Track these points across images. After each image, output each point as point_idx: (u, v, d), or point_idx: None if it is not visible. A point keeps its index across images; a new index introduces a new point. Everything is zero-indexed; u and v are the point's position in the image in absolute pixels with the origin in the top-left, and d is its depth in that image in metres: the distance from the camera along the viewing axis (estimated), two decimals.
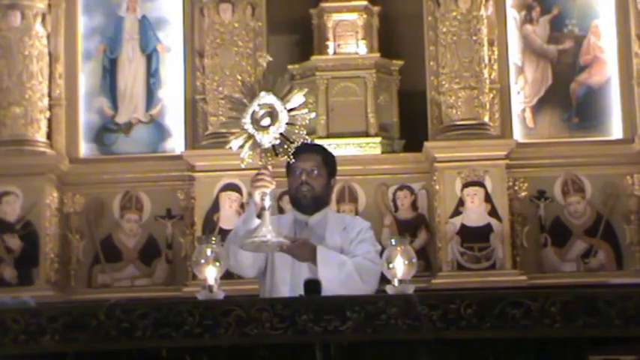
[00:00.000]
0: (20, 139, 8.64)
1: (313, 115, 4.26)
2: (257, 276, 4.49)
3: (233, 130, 4.19)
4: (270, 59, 4.74)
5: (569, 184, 8.68)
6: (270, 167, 4.19)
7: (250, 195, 4.28)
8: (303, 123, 4.13)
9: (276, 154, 4.12)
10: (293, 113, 4.11)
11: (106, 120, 9.08)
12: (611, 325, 3.25)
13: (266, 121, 4.10)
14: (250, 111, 4.11)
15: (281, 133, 4.10)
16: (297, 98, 4.13)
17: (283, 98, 4.12)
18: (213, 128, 8.65)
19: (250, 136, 4.12)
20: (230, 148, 4.18)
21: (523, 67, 8.97)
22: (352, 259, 4.31)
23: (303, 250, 4.27)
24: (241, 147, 4.15)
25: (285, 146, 4.11)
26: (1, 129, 8.70)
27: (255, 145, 4.12)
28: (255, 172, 4.25)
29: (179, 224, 8.76)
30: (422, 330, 3.21)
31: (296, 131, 4.11)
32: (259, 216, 4.19)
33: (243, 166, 4.24)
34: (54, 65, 8.95)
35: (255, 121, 4.11)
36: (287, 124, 4.10)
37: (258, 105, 4.11)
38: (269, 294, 4.36)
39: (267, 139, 4.10)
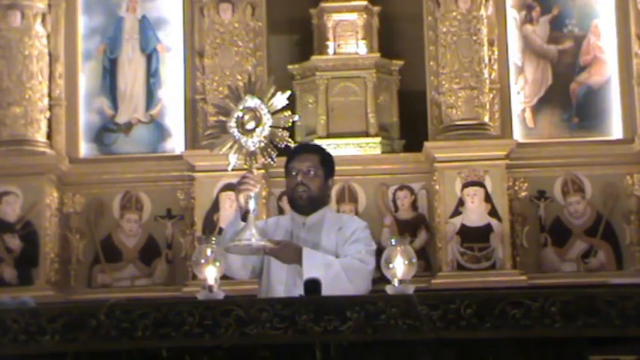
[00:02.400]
0: (20, 139, 8.64)
1: (297, 117, 4.28)
2: (251, 277, 4.49)
3: (221, 134, 4.23)
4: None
5: (569, 184, 8.68)
6: (254, 170, 4.21)
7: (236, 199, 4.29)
8: (287, 125, 4.15)
9: (262, 157, 4.15)
10: (276, 116, 4.14)
11: (106, 120, 9.08)
12: (611, 325, 3.25)
13: (250, 125, 4.13)
14: (235, 115, 4.14)
15: (265, 136, 4.12)
16: (281, 101, 4.15)
17: (267, 101, 4.14)
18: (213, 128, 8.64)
19: (236, 140, 4.14)
20: (217, 150, 4.21)
21: (523, 67, 8.97)
22: (340, 260, 4.31)
23: (287, 252, 4.27)
24: (229, 150, 4.17)
25: (269, 149, 4.13)
26: (1, 129, 8.70)
27: (241, 148, 4.14)
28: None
29: (179, 224, 8.76)
30: (422, 330, 3.21)
31: (279, 134, 4.13)
32: (244, 219, 4.20)
33: (229, 169, 4.25)
34: (54, 65, 8.95)
35: (241, 125, 4.13)
36: (270, 126, 4.13)
37: (243, 109, 4.14)
38: (265, 294, 4.37)
39: (252, 142, 4.13)
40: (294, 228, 4.48)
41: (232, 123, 4.16)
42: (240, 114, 4.15)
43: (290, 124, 4.20)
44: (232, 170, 4.28)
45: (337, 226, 4.50)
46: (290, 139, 4.21)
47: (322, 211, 4.51)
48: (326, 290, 3.86)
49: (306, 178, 4.42)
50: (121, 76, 9.12)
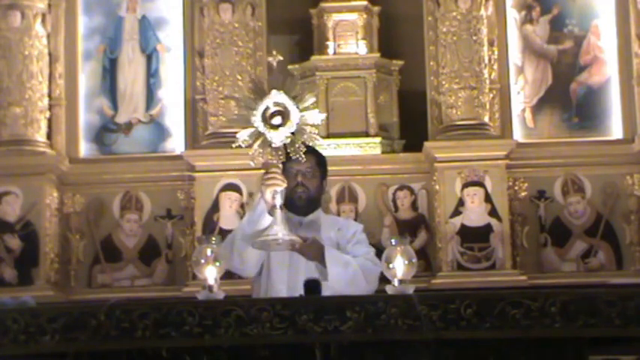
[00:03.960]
0: (20, 139, 8.64)
1: (323, 115, 4.21)
2: (255, 275, 4.48)
3: (239, 129, 4.16)
4: (281, 59, 4.71)
5: (569, 184, 8.68)
6: (280, 165, 4.16)
7: (260, 193, 4.24)
8: (315, 123, 4.10)
9: (287, 153, 4.09)
10: (304, 113, 4.08)
11: (106, 120, 9.08)
12: (611, 325, 3.24)
13: (277, 120, 4.07)
14: (261, 109, 4.08)
15: (292, 133, 4.07)
16: (309, 98, 4.11)
17: (295, 98, 4.09)
18: (213, 128, 8.65)
19: (260, 134, 4.08)
20: (238, 146, 4.13)
21: (523, 67, 8.97)
22: (356, 260, 4.33)
23: (314, 249, 4.27)
24: (250, 145, 4.11)
25: (297, 145, 4.08)
26: (1, 129, 8.71)
27: (265, 143, 4.08)
28: (262, 171, 4.24)
29: (179, 224, 8.76)
30: (422, 330, 3.21)
31: (308, 131, 4.08)
32: (270, 214, 4.17)
33: (253, 164, 4.21)
34: (54, 65, 8.95)
35: (265, 120, 4.08)
36: (298, 123, 4.07)
37: (272, 103, 4.07)
38: (264, 294, 4.36)
39: (279, 137, 4.06)
40: (290, 227, 4.48)
41: (258, 117, 4.09)
42: (270, 106, 4.07)
43: (319, 122, 4.14)
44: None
45: (335, 226, 4.52)
46: (318, 137, 4.15)
47: (317, 212, 4.53)
48: (344, 289, 3.93)
49: (305, 179, 4.42)
50: (121, 76, 9.12)
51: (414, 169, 8.79)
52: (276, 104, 4.06)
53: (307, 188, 4.42)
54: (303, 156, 4.11)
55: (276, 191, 4.13)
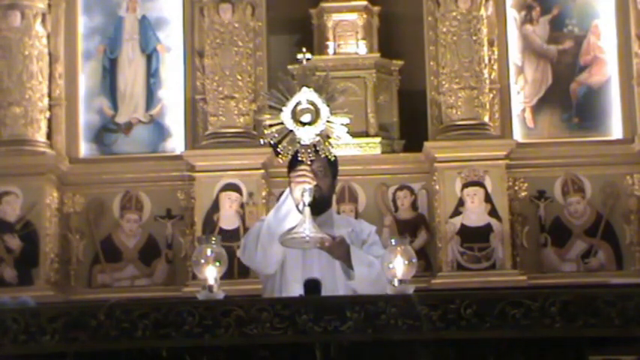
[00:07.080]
0: (20, 139, 8.64)
1: (352, 116, 4.19)
2: (270, 274, 4.46)
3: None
4: (310, 57, 4.68)
5: (569, 184, 8.68)
6: (309, 163, 4.13)
7: (288, 190, 4.23)
8: (345, 123, 4.08)
9: (316, 151, 4.08)
10: (335, 111, 4.06)
11: (106, 120, 9.08)
12: (611, 325, 3.24)
13: (306, 118, 4.04)
14: (292, 106, 4.04)
15: (322, 131, 4.05)
16: (339, 97, 4.09)
17: (326, 96, 4.06)
18: (213, 128, 8.65)
19: (288, 131, 4.04)
20: (268, 142, 4.10)
21: (523, 67, 8.97)
22: (377, 260, 4.32)
23: (341, 248, 4.27)
24: (279, 141, 4.08)
25: (327, 144, 4.06)
26: (1, 129, 8.71)
27: (294, 140, 4.06)
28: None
29: (179, 224, 8.76)
30: (422, 330, 3.21)
31: (336, 130, 4.06)
32: (298, 211, 4.15)
33: (282, 162, 4.20)
34: (54, 65, 8.95)
35: (295, 116, 4.04)
36: (328, 121, 4.05)
37: (305, 100, 4.03)
38: (278, 292, 4.35)
39: (308, 135, 4.04)
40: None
41: (288, 114, 4.08)
42: (304, 103, 4.02)
43: (348, 122, 4.12)
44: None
45: (347, 227, 4.51)
46: (346, 136, 4.13)
47: (328, 212, 4.53)
48: (368, 289, 3.97)
49: (317, 178, 4.40)
50: (121, 76, 9.12)
51: (414, 169, 8.79)
52: (308, 101, 4.03)
53: (319, 187, 4.40)
54: (333, 154, 4.11)
55: (305, 189, 4.12)
